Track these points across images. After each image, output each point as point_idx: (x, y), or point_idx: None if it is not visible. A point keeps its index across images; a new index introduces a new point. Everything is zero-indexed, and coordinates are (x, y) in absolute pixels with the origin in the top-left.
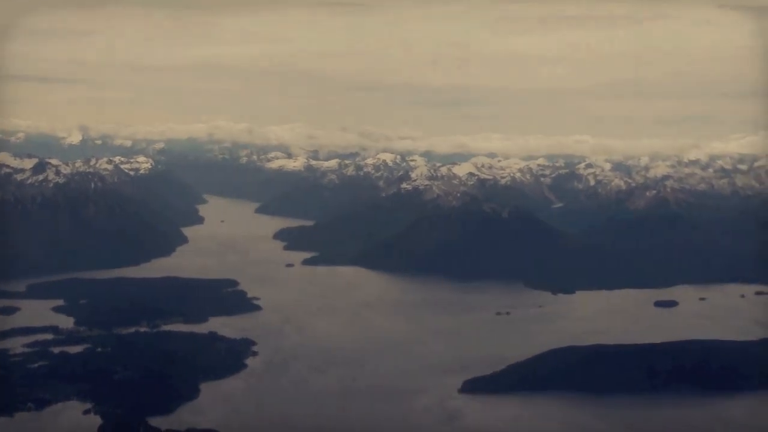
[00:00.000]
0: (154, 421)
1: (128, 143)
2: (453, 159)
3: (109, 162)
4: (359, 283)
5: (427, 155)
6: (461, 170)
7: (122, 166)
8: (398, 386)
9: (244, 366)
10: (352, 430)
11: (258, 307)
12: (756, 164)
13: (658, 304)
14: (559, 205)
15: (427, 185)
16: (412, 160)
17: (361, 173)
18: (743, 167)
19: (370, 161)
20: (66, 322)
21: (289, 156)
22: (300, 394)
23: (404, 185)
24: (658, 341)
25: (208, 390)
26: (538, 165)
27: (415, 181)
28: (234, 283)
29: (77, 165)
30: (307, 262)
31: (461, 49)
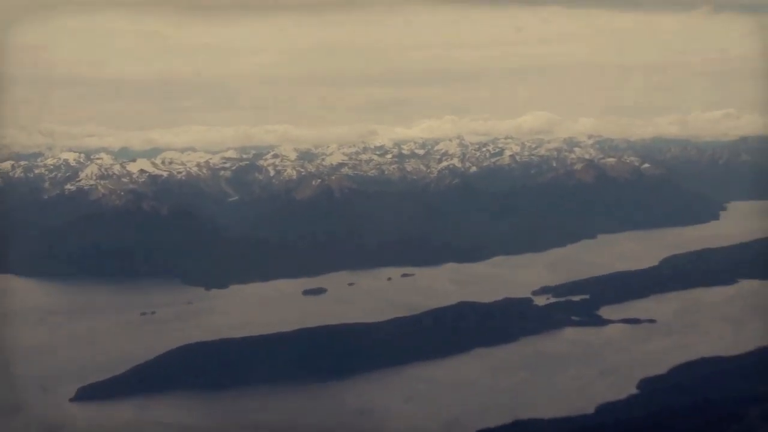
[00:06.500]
0: None
1: None
2: (149, 155)
3: None
4: (2, 292)
5: (124, 152)
6: (136, 167)
7: None
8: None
9: None
10: None
11: None
12: (436, 148)
13: (307, 292)
14: (235, 198)
15: (92, 185)
16: (98, 158)
17: (31, 175)
18: (421, 152)
19: (49, 161)
20: None
21: None
22: None
23: (68, 186)
24: (289, 330)
25: None
26: (222, 158)
27: (80, 181)
28: None
29: None
30: None
31: (160, 39)
